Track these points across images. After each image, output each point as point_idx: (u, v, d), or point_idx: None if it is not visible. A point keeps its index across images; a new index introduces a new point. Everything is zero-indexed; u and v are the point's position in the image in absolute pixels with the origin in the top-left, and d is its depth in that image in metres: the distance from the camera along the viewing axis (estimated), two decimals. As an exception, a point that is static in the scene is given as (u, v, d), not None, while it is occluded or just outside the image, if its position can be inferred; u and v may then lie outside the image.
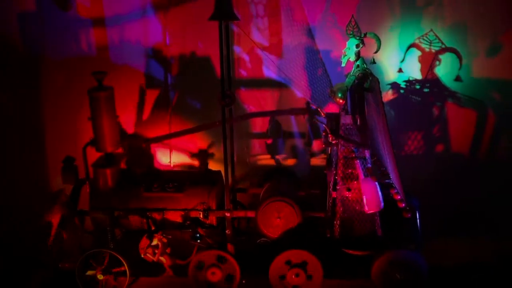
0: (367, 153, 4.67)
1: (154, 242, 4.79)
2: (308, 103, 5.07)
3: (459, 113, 5.34)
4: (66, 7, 5.31)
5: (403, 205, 4.50)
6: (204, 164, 5.14)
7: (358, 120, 4.59)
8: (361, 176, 4.58)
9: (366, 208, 4.58)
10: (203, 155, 5.20)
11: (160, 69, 5.41)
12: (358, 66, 4.64)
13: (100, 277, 4.75)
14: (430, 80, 5.26)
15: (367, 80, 4.58)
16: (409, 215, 4.55)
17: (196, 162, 5.27)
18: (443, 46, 5.00)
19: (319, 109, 4.81)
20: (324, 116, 4.73)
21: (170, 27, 5.31)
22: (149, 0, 5.27)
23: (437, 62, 5.17)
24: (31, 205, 5.16)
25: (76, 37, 5.36)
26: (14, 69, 5.45)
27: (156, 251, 4.80)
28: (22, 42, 5.41)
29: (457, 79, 5.05)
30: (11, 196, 5.60)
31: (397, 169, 4.36)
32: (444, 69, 5.20)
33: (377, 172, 4.54)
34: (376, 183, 4.58)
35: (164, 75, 5.44)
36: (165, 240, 4.82)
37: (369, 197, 4.56)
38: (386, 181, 4.49)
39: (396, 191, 4.46)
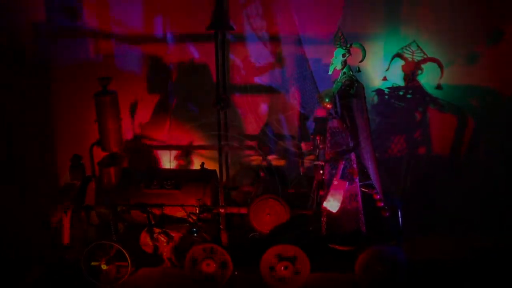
0: (352, 155, 4.94)
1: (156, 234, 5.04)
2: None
3: (440, 118, 5.50)
4: (74, 18, 5.55)
5: (382, 204, 4.75)
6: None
7: (348, 123, 4.87)
8: (338, 176, 4.83)
9: (324, 204, 4.81)
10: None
11: (161, 76, 5.63)
12: (344, 73, 4.91)
13: (104, 267, 5.00)
14: (413, 87, 5.44)
15: (352, 87, 4.86)
16: (388, 213, 4.76)
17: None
18: (425, 56, 5.19)
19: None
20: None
21: (170, 36, 5.57)
22: (152, 12, 5.54)
23: (419, 71, 5.34)
24: (42, 200, 5.36)
25: (83, 45, 5.58)
26: (27, 75, 5.64)
27: (165, 239, 5.06)
28: (34, 50, 5.62)
29: (438, 87, 5.23)
30: (24, 192, 5.81)
31: (377, 170, 4.60)
32: (426, 77, 5.38)
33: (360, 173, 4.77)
34: (345, 189, 4.82)
35: (165, 81, 5.65)
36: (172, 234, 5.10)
37: (333, 197, 4.73)
38: (367, 182, 4.74)
39: (375, 191, 4.71)
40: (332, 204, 4.70)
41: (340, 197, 4.68)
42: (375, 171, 4.64)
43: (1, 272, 5.32)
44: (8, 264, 5.40)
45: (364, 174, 4.78)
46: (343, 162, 4.85)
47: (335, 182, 4.71)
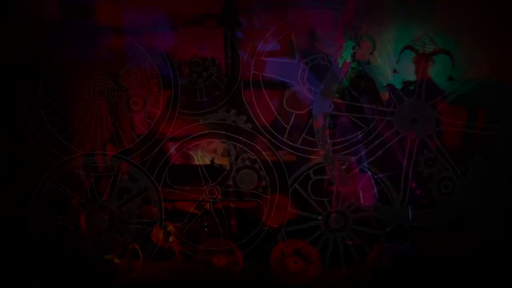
0: (362, 150, 4.96)
1: (169, 228, 5.17)
2: None
3: (450, 111, 5.40)
4: (86, 16, 5.65)
5: (419, 192, 4.82)
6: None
7: (358, 118, 4.90)
8: (357, 170, 4.89)
9: (362, 201, 4.88)
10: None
11: (171, 72, 5.59)
12: (353, 68, 4.94)
13: (117, 260, 5.15)
14: (423, 80, 5.40)
15: (362, 81, 4.88)
16: (426, 201, 4.83)
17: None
18: (436, 48, 5.15)
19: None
20: None
21: (181, 34, 5.64)
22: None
23: (430, 63, 5.34)
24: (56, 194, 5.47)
25: (96, 43, 5.64)
26: (41, 73, 5.57)
27: (171, 238, 5.20)
28: (47, 48, 5.62)
29: (450, 78, 5.21)
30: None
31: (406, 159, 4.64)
32: (437, 70, 5.33)
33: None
34: (371, 176, 4.90)
35: (175, 77, 5.67)
36: (176, 227, 5.20)
37: (365, 190, 4.88)
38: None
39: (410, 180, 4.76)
40: (368, 198, 4.84)
41: (370, 187, 4.80)
42: (404, 160, 4.67)
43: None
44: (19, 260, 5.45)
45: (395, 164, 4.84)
46: (353, 157, 4.90)
47: (359, 177, 4.83)
